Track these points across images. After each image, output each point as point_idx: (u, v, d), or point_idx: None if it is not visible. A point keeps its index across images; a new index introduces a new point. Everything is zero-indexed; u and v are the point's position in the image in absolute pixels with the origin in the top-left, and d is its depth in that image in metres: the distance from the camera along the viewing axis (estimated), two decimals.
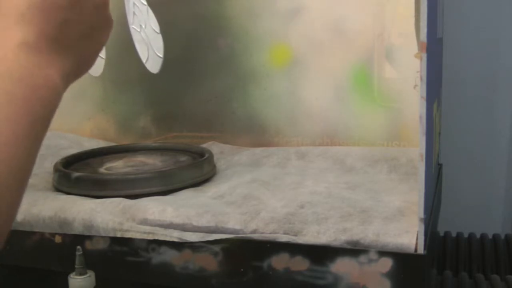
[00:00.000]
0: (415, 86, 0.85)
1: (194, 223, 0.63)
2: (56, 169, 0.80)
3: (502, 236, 0.96)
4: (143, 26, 0.81)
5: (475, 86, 1.11)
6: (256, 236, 0.61)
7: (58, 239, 0.68)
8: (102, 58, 0.87)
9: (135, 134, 1.09)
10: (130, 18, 0.81)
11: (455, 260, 0.92)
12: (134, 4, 0.81)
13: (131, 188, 0.74)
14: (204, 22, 1.01)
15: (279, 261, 0.60)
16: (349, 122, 0.94)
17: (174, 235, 0.63)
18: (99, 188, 0.74)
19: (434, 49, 0.66)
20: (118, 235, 0.65)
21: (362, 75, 0.93)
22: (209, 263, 0.62)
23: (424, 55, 0.53)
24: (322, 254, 0.58)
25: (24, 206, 0.70)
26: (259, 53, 0.98)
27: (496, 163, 1.13)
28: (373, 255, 0.57)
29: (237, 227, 0.62)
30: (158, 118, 1.08)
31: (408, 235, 0.57)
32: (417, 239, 0.56)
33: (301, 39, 0.95)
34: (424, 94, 0.54)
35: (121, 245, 0.65)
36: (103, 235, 0.66)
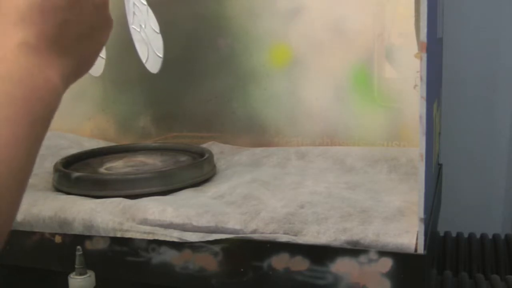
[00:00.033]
0: (415, 86, 0.85)
1: (194, 223, 0.63)
2: (56, 169, 0.80)
3: (502, 236, 0.96)
4: (143, 26, 0.81)
5: (475, 86, 1.11)
6: (256, 236, 0.61)
7: (58, 239, 0.68)
8: (102, 58, 0.87)
9: (135, 134, 1.09)
10: (130, 18, 0.81)
11: (455, 260, 0.92)
12: (134, 4, 0.81)
13: (131, 188, 0.74)
14: (204, 22, 1.01)
15: (279, 261, 0.60)
16: (349, 122, 0.94)
17: (174, 235, 0.63)
18: (99, 188, 0.74)
19: (434, 49, 0.66)
20: (118, 235, 0.65)
21: (362, 75, 0.93)
22: (209, 263, 0.62)
23: (424, 55, 0.53)
24: (322, 254, 0.58)
25: (24, 206, 0.70)
26: (259, 53, 0.98)
27: (496, 163, 1.13)
28: (373, 255, 0.57)
29: (237, 227, 0.62)
30: (158, 118, 1.08)
31: (408, 235, 0.57)
32: (417, 239, 0.56)
33: (301, 39, 0.95)
34: (424, 94, 0.54)
35: (121, 245, 0.65)
36: (103, 235, 0.66)
